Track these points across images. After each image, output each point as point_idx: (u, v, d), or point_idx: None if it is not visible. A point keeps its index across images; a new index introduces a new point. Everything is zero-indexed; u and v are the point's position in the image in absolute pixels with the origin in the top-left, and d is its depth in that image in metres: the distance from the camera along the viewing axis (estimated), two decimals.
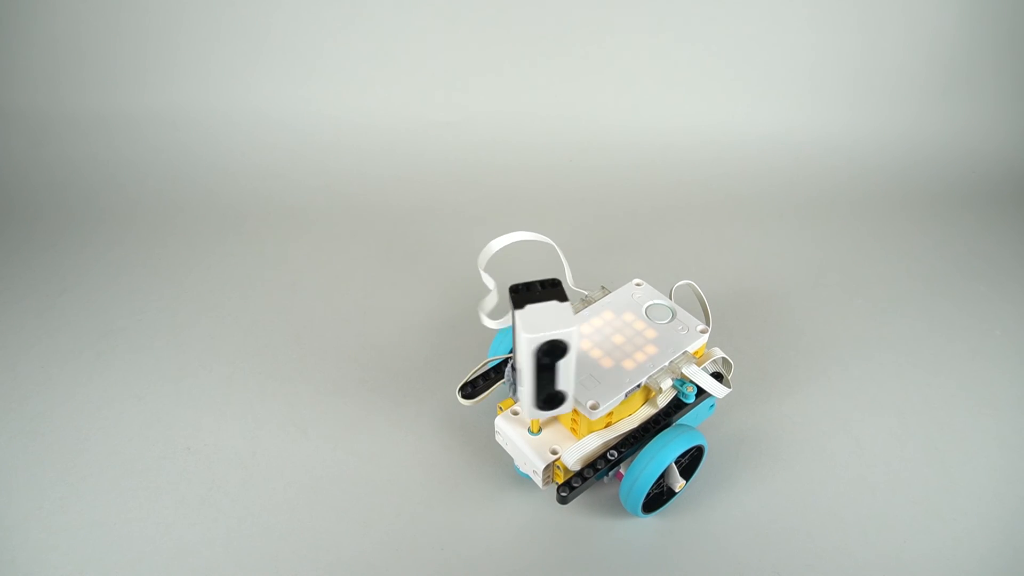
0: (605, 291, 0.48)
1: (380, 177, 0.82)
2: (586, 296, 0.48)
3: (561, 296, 0.35)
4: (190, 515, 0.46)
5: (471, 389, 0.47)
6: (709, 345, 0.47)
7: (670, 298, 0.47)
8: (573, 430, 0.43)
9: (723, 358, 0.45)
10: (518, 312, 0.35)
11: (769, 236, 0.73)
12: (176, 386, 0.56)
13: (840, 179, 0.82)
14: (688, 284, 0.50)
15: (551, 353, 0.34)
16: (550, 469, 0.42)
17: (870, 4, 0.83)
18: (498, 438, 0.45)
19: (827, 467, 0.49)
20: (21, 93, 0.87)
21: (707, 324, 0.48)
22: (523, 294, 0.36)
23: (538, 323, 0.34)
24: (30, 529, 0.45)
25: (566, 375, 0.36)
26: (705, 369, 0.44)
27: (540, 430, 0.43)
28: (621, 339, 0.44)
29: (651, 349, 0.43)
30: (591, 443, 0.42)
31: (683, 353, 0.43)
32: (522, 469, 0.44)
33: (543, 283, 0.36)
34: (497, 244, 0.48)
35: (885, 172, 0.83)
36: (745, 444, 0.51)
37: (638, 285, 0.48)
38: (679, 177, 0.82)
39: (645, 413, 0.44)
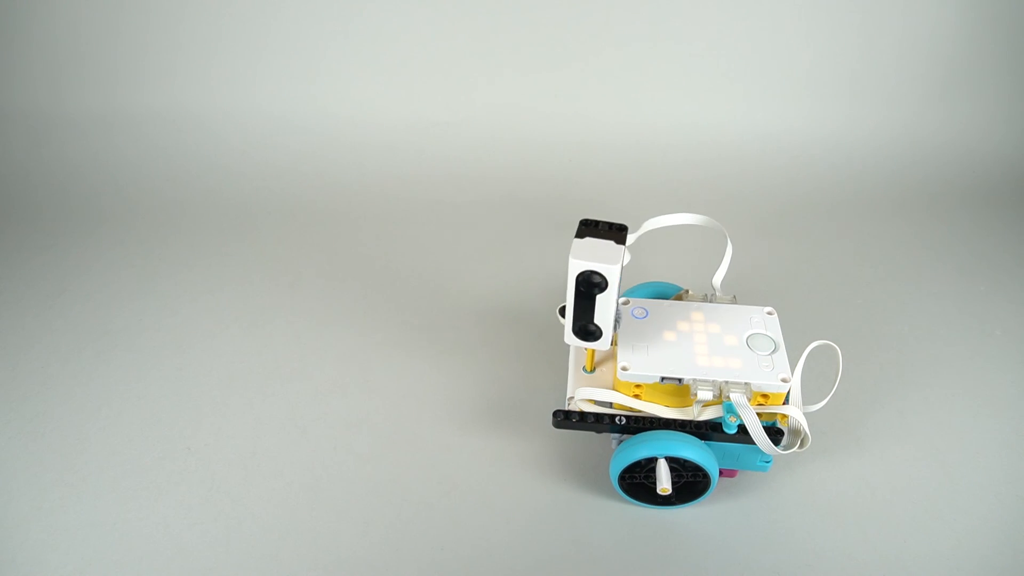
0: (735, 301, 0.48)
1: (380, 177, 0.82)
2: (712, 295, 0.49)
3: (620, 239, 0.38)
4: (190, 515, 0.46)
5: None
6: (813, 414, 0.45)
7: (805, 351, 0.44)
8: (613, 383, 0.45)
9: (801, 426, 0.43)
10: (576, 240, 0.38)
11: (768, 236, 0.73)
12: (176, 386, 0.56)
13: (839, 179, 0.82)
14: (830, 346, 0.47)
15: (588, 283, 0.38)
16: (573, 400, 0.44)
17: (869, 4, 0.83)
18: (571, 352, 0.48)
19: (827, 467, 0.49)
20: (21, 93, 0.87)
21: (832, 391, 0.46)
22: (590, 228, 0.39)
23: (586, 253, 0.37)
24: (30, 529, 0.45)
25: (603, 312, 0.39)
26: (773, 422, 0.42)
27: (594, 369, 0.46)
28: (702, 339, 0.44)
29: (717, 360, 0.42)
30: (608, 395, 0.43)
31: (744, 383, 0.41)
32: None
33: (611, 225, 0.39)
34: (665, 220, 0.47)
35: (884, 172, 0.83)
36: None
37: (769, 313, 0.46)
38: (678, 177, 0.82)
39: (678, 415, 0.43)
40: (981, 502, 0.47)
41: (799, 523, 0.46)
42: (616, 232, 0.39)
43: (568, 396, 0.45)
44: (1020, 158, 0.85)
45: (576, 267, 0.37)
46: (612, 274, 0.37)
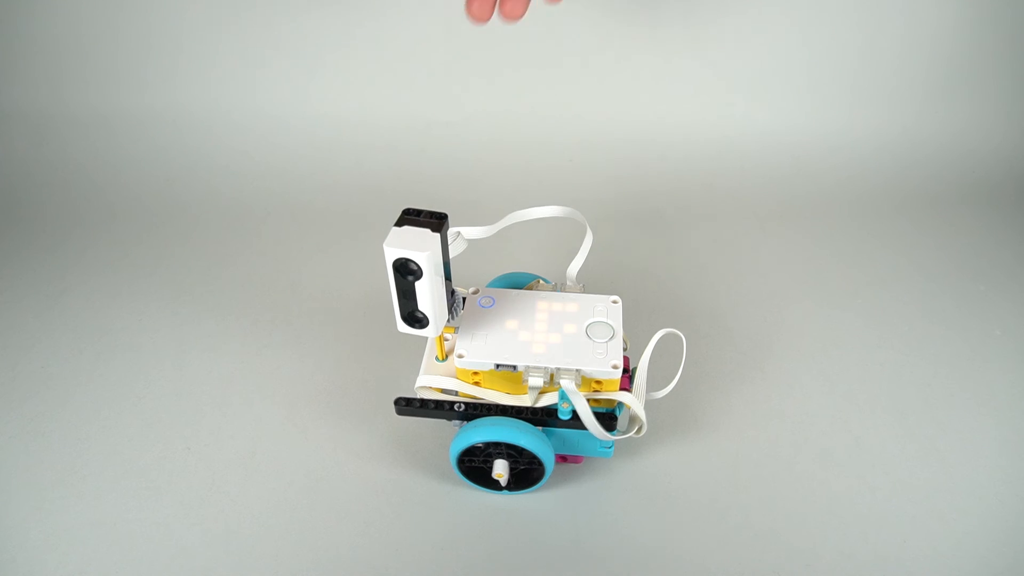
0: (583, 290, 0.49)
1: (380, 177, 0.82)
2: (561, 285, 0.50)
3: (436, 227, 0.39)
4: (190, 515, 0.46)
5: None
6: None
7: (652, 341, 0.45)
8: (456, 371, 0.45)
9: (637, 413, 0.43)
10: (394, 228, 0.39)
11: (768, 236, 0.73)
12: (176, 386, 0.56)
13: (840, 179, 0.82)
14: (674, 333, 0.48)
15: (403, 271, 0.39)
16: (420, 389, 0.46)
17: (870, 4, 0.83)
18: (427, 342, 0.48)
19: (827, 467, 0.49)
20: (22, 93, 0.87)
21: (675, 379, 0.46)
22: (411, 217, 0.40)
23: (401, 241, 0.38)
24: (30, 529, 0.45)
25: (424, 299, 0.40)
26: (617, 409, 0.43)
27: (446, 358, 0.46)
28: (542, 327, 0.44)
29: (552, 348, 0.43)
30: (445, 382, 0.44)
31: (574, 369, 0.41)
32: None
33: (432, 213, 0.40)
34: (536, 212, 0.47)
35: (884, 172, 0.83)
36: (745, 444, 0.51)
37: (613, 302, 0.46)
38: (678, 177, 0.82)
39: (515, 401, 0.44)
40: (981, 502, 0.47)
41: (799, 523, 0.46)
42: (434, 220, 0.40)
43: (416, 385, 0.46)
44: (1020, 158, 0.85)
45: (391, 255, 0.38)
46: (424, 261, 0.38)
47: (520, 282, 0.52)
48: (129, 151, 0.85)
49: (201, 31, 0.86)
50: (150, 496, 0.47)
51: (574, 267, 0.50)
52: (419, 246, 0.38)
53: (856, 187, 0.81)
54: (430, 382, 0.45)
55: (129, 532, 0.45)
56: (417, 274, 0.39)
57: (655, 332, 0.45)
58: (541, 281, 0.51)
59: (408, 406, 0.45)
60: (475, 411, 0.44)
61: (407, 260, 0.38)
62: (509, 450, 0.44)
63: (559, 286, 0.49)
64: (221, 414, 0.53)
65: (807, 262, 0.70)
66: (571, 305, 0.46)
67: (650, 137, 0.87)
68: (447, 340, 0.47)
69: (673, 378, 0.47)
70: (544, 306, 0.46)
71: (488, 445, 0.44)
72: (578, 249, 0.51)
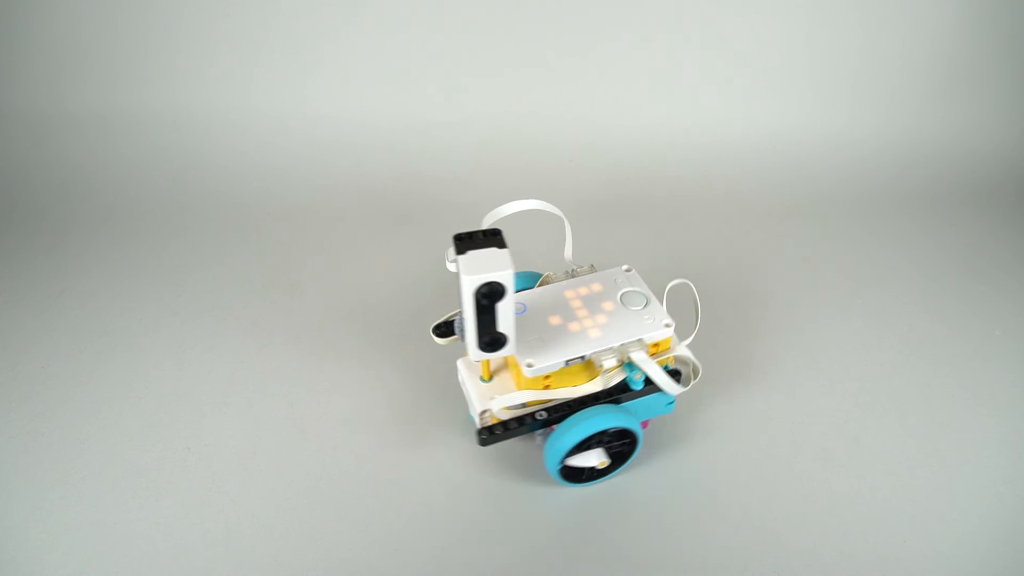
0: (593, 269, 0.50)
1: (380, 177, 0.82)
2: (574, 270, 0.50)
3: (500, 244, 0.38)
4: (190, 515, 0.46)
5: (445, 328, 0.48)
6: (699, 348, 0.48)
7: (664, 295, 0.48)
8: (517, 383, 0.45)
9: (692, 361, 0.46)
10: (460, 257, 0.38)
11: (769, 236, 0.73)
12: (176, 386, 0.56)
13: (840, 179, 0.82)
14: (684, 283, 0.50)
15: (489, 295, 0.37)
16: (488, 415, 0.44)
17: (870, 4, 0.83)
18: (460, 378, 0.48)
19: (827, 467, 0.49)
20: (21, 93, 0.87)
21: (696, 325, 0.48)
22: (466, 242, 0.38)
23: (478, 266, 0.37)
24: (30, 529, 0.45)
25: (505, 318, 0.39)
26: (668, 366, 0.45)
27: (491, 378, 0.46)
28: (584, 313, 0.45)
29: (607, 329, 0.44)
30: (521, 397, 0.44)
31: (637, 340, 0.44)
32: (471, 413, 0.46)
33: (485, 232, 0.39)
34: (510, 207, 0.48)
35: (885, 172, 0.83)
36: (745, 444, 0.51)
37: (627, 271, 0.49)
38: (679, 177, 0.82)
39: (591, 389, 0.45)
40: (981, 502, 0.47)
41: (800, 523, 0.46)
42: (492, 237, 0.39)
43: (480, 411, 0.44)
44: (1020, 158, 0.85)
45: (472, 283, 0.37)
46: (508, 279, 0.37)
47: (530, 281, 0.52)
48: (128, 151, 0.85)
49: (200, 31, 0.86)
50: (150, 496, 0.47)
51: (567, 252, 0.52)
52: (498, 266, 0.37)
53: (856, 187, 0.81)
54: (506, 402, 0.44)
55: (129, 532, 0.45)
56: (500, 295, 0.37)
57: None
58: (552, 274, 0.52)
59: (493, 435, 0.43)
60: (559, 413, 0.44)
61: (492, 283, 0.37)
62: (600, 436, 0.44)
63: (572, 272, 0.50)
64: (221, 414, 0.53)
65: (807, 262, 0.70)
66: (595, 285, 0.47)
67: (650, 137, 0.87)
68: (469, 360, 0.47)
69: (692, 331, 0.48)
70: (572, 294, 0.47)
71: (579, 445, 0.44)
72: (561, 237, 0.53)
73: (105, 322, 0.62)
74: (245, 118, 0.87)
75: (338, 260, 0.70)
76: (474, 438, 0.51)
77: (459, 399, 0.54)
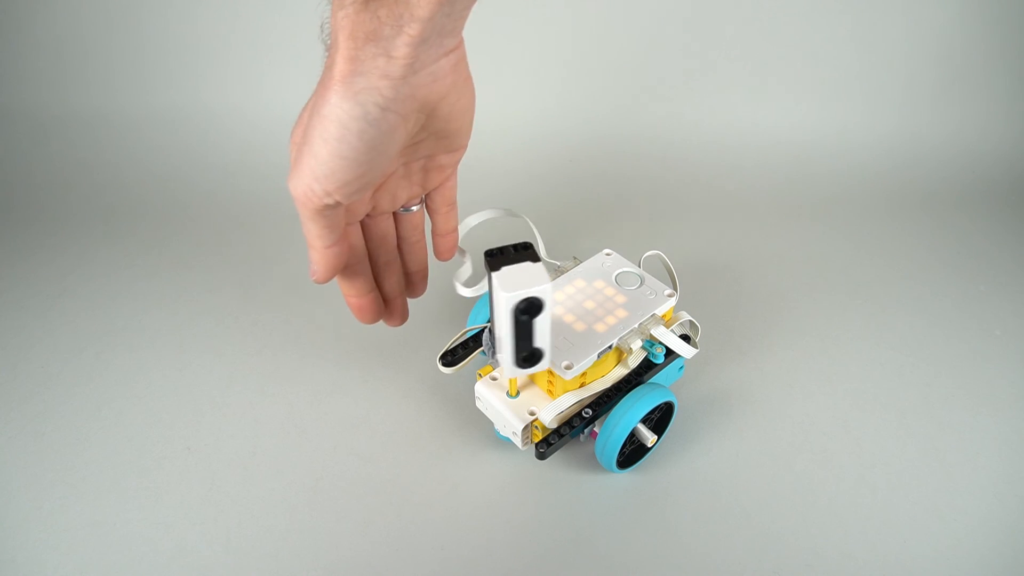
0: (577, 261, 0.51)
1: None
2: (559, 266, 0.51)
3: (533, 258, 0.37)
4: (190, 515, 0.46)
5: (451, 357, 0.49)
6: (677, 311, 0.49)
7: (639, 267, 0.49)
8: (549, 391, 0.45)
9: (690, 321, 0.48)
10: (495, 274, 0.36)
11: (769, 236, 0.73)
12: (176, 386, 0.56)
13: (839, 178, 0.82)
14: (656, 254, 0.52)
15: (528, 311, 0.36)
16: (528, 430, 0.44)
17: (870, 4, 0.83)
18: (479, 404, 0.47)
19: (827, 467, 0.49)
20: (22, 93, 0.87)
21: (675, 290, 0.50)
22: (498, 258, 0.38)
23: (514, 283, 0.36)
24: (30, 529, 0.45)
25: (542, 332, 0.38)
26: (673, 331, 0.47)
27: (518, 393, 0.46)
28: (592, 304, 0.47)
29: (621, 313, 0.46)
30: (566, 401, 0.44)
31: (652, 316, 0.46)
32: (502, 432, 0.46)
33: (515, 247, 0.38)
34: (473, 220, 0.50)
35: (884, 171, 0.83)
36: (745, 444, 0.51)
37: (608, 255, 0.51)
38: (679, 177, 0.82)
39: (618, 374, 0.47)
40: (981, 502, 0.47)
41: (799, 523, 0.46)
42: (524, 252, 0.38)
43: (522, 426, 0.44)
44: (1019, 158, 0.85)
45: (511, 301, 0.36)
46: (547, 293, 0.36)
47: None
48: (129, 151, 0.85)
49: (200, 31, 0.86)
50: (150, 496, 0.47)
51: (542, 249, 0.54)
52: (534, 281, 0.36)
53: (856, 187, 0.81)
54: (556, 410, 0.43)
55: (129, 532, 0.45)
56: (538, 309, 0.37)
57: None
58: None
59: (551, 446, 0.43)
60: (602, 407, 0.45)
61: (530, 299, 0.36)
62: (649, 415, 0.46)
63: (559, 268, 0.51)
64: (221, 414, 0.53)
65: (807, 262, 0.70)
66: (587, 276, 0.49)
67: (650, 137, 0.87)
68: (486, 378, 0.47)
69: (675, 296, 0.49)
70: (570, 289, 0.48)
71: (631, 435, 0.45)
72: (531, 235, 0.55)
73: (105, 322, 0.62)
74: (246, 118, 0.87)
75: None
76: (475, 437, 0.51)
77: (460, 399, 0.54)
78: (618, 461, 0.46)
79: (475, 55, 0.39)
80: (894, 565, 0.44)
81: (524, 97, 0.88)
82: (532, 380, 0.46)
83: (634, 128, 0.88)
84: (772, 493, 0.48)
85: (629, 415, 0.44)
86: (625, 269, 0.49)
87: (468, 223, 0.49)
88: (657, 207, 0.78)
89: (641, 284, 0.48)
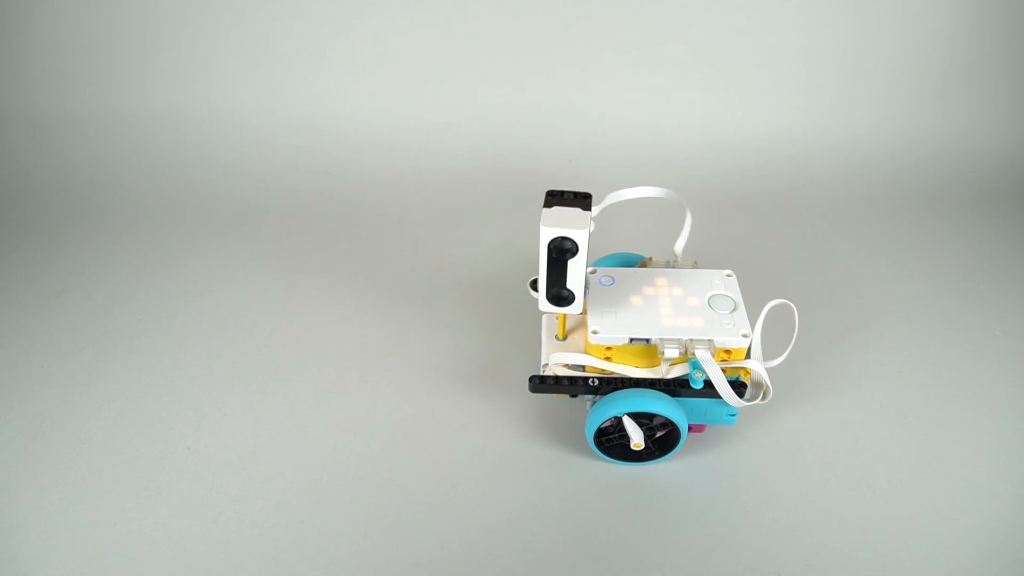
0: (696, 266, 0.51)
1: (380, 177, 0.82)
2: (673, 262, 0.51)
3: (586, 206, 0.40)
4: (190, 515, 0.46)
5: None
6: (779, 372, 0.48)
7: (763, 311, 0.46)
8: (585, 348, 0.46)
9: (763, 379, 0.45)
10: (544, 209, 0.40)
11: (767, 235, 0.73)
12: (176, 386, 0.56)
13: (839, 179, 0.82)
14: (786, 304, 0.48)
15: (560, 249, 0.39)
16: (547, 367, 0.47)
17: (869, 4, 0.83)
18: (543, 326, 0.50)
19: (827, 467, 0.49)
20: (21, 93, 0.87)
21: (789, 346, 0.48)
22: (556, 198, 0.41)
23: (555, 220, 0.39)
24: (30, 529, 0.45)
25: (574, 276, 0.41)
26: (737, 377, 0.45)
27: (566, 337, 0.48)
28: (666, 302, 0.46)
29: (681, 321, 0.45)
30: (580, 359, 0.45)
31: (707, 340, 0.44)
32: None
33: (576, 193, 0.42)
34: (632, 192, 0.48)
35: (884, 171, 0.83)
36: (745, 443, 0.51)
37: (727, 276, 0.50)
38: (678, 177, 0.82)
39: (648, 375, 0.45)
40: (981, 502, 0.47)
41: (799, 523, 0.46)
42: (581, 200, 0.41)
43: (543, 363, 0.46)
44: (1020, 158, 0.85)
45: (548, 234, 0.39)
46: (582, 238, 0.39)
47: (630, 261, 0.53)
48: (128, 151, 0.85)
49: (200, 31, 0.86)
50: (150, 496, 0.47)
51: (680, 244, 0.52)
52: (576, 224, 0.39)
53: (855, 187, 0.81)
54: (563, 359, 0.45)
55: (129, 532, 0.45)
56: (573, 252, 0.40)
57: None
58: (652, 259, 0.53)
59: (543, 383, 0.45)
60: (610, 385, 0.45)
61: (564, 238, 0.39)
62: (644, 419, 0.45)
63: (672, 263, 0.51)
64: (221, 414, 0.53)
65: (806, 262, 0.70)
66: (688, 280, 0.48)
67: (649, 137, 0.87)
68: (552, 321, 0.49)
69: (785, 350, 0.48)
70: (663, 282, 0.48)
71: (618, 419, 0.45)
72: (676, 228, 0.54)
73: (105, 322, 0.62)
74: (246, 118, 0.87)
75: (338, 260, 0.70)
76: (474, 439, 0.51)
77: (460, 399, 0.54)
78: (600, 442, 0.47)
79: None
80: (894, 565, 0.44)
81: (526, 97, 0.88)
82: (582, 332, 0.47)
83: (634, 128, 0.88)
84: (772, 493, 0.48)
85: (623, 401, 0.44)
86: (725, 293, 0.48)
87: (624, 194, 0.48)
88: (654, 207, 0.78)
89: (731, 312, 0.46)
